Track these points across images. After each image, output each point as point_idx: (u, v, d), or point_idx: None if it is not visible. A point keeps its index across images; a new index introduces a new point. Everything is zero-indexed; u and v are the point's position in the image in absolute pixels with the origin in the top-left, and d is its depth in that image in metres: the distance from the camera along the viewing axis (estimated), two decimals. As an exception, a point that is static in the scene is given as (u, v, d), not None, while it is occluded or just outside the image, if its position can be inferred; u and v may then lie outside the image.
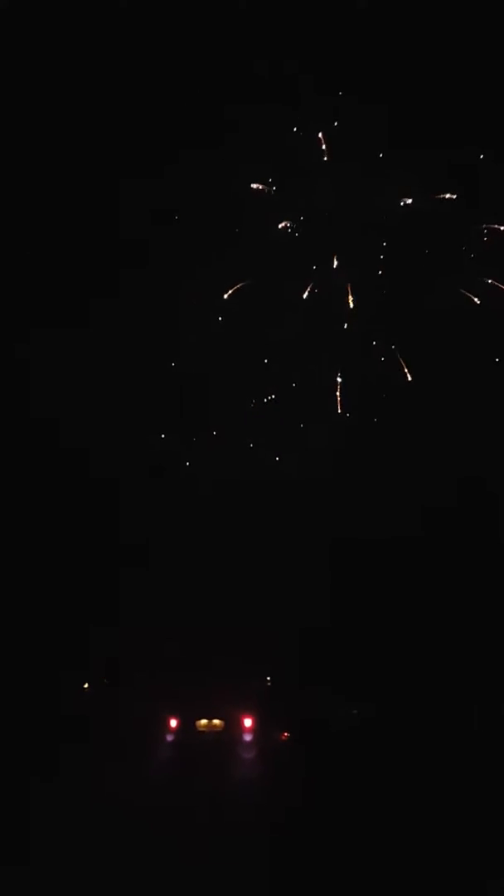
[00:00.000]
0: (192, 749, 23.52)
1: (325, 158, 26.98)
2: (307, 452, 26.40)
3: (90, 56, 26.28)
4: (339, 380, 26.73)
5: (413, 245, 27.07)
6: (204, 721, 23.95)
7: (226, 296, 26.83)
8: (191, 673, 24.17)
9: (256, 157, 26.94)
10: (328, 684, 24.29)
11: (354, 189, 26.88)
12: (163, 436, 26.72)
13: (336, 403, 26.60)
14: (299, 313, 26.92)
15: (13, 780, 21.86)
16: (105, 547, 25.39)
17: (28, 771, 22.08)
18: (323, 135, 26.93)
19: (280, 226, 27.11)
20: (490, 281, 26.59)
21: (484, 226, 26.87)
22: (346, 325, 26.93)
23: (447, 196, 26.66)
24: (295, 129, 26.95)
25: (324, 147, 26.99)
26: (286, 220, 27.04)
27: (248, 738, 23.60)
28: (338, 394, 26.64)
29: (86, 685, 24.90)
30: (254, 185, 26.92)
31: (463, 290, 26.58)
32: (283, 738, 23.97)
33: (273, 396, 26.91)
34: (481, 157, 26.49)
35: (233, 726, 23.79)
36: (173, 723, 23.78)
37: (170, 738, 23.69)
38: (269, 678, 24.92)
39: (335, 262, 26.99)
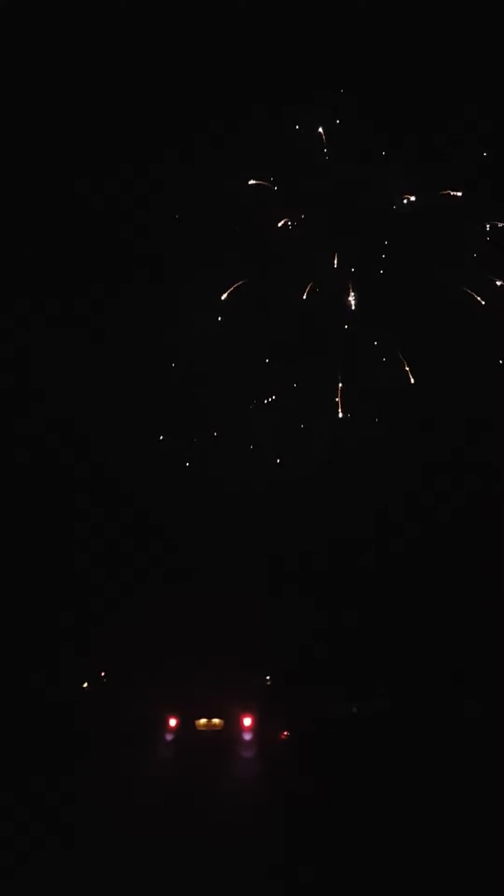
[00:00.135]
0: (192, 748, 23.52)
1: (326, 156, 26.98)
2: (307, 454, 26.40)
3: (89, 55, 26.28)
4: (339, 382, 26.75)
5: (415, 243, 27.05)
6: (203, 720, 23.95)
7: (224, 296, 26.84)
8: (190, 672, 24.21)
9: (257, 155, 26.94)
10: (328, 683, 24.33)
11: (355, 187, 26.88)
12: (161, 438, 26.71)
13: (337, 405, 26.61)
14: (300, 313, 26.93)
15: (12, 779, 21.89)
16: (105, 547, 25.39)
17: (27, 771, 22.11)
18: (323, 131, 26.92)
19: (280, 224, 27.11)
20: (499, 283, 26.57)
21: (488, 224, 26.86)
22: (346, 326, 26.93)
23: (452, 193, 26.66)
24: (297, 127, 26.97)
25: (325, 146, 27.01)
26: (286, 217, 27.03)
27: (247, 737, 23.60)
28: (338, 396, 26.65)
29: (85, 684, 24.95)
30: (252, 182, 26.90)
31: (468, 290, 26.55)
32: (283, 736, 24.00)
33: (273, 397, 26.91)
34: (484, 154, 26.50)
35: (232, 725, 23.77)
36: (173, 722, 23.77)
37: (169, 737, 23.68)
38: (268, 677, 24.95)
39: (336, 262, 26.99)
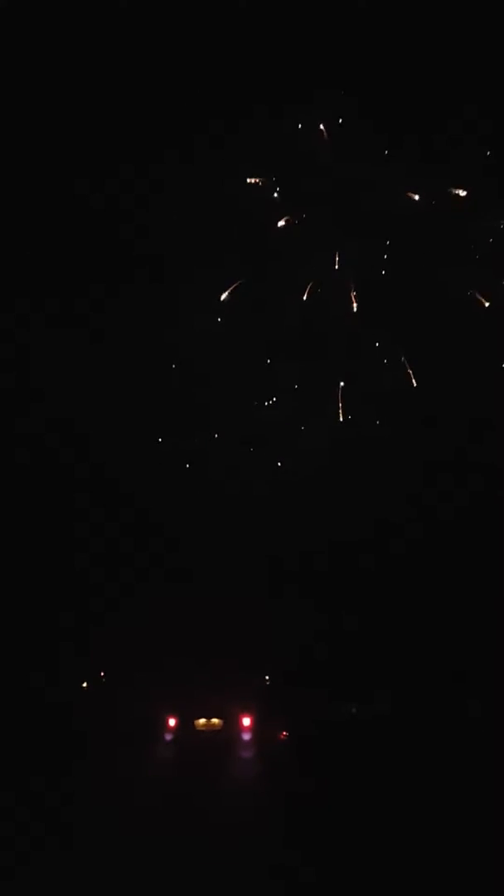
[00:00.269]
0: (191, 748, 23.58)
1: (328, 155, 26.97)
2: (308, 454, 26.40)
3: (89, 55, 26.26)
4: (341, 383, 26.75)
5: (417, 243, 27.04)
6: (203, 720, 24.01)
7: (223, 296, 26.83)
8: (190, 672, 24.23)
9: (257, 155, 26.94)
10: (327, 684, 24.34)
11: (357, 187, 26.87)
12: (161, 438, 26.71)
13: (338, 408, 26.60)
14: (301, 315, 26.91)
15: (12, 779, 21.91)
16: (105, 547, 25.39)
17: (27, 771, 22.13)
18: (325, 130, 26.91)
19: (280, 223, 27.09)
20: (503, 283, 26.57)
21: (489, 224, 26.86)
22: (348, 328, 26.91)
23: (456, 191, 26.65)
24: (300, 126, 26.96)
25: (326, 145, 26.98)
26: (287, 216, 27.01)
27: (246, 737, 23.66)
28: (339, 397, 26.64)
29: (85, 684, 24.97)
30: (250, 180, 26.89)
31: (473, 292, 26.52)
32: (282, 737, 24.03)
33: (274, 399, 26.90)
34: (488, 153, 26.49)
35: (231, 725, 23.84)
36: (172, 722, 23.85)
37: (169, 737, 23.75)
38: (267, 677, 24.97)
39: (337, 262, 26.98)
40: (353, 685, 24.29)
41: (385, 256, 27.03)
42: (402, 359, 26.37)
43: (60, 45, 26.11)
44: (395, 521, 24.99)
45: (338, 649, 24.43)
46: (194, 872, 19.80)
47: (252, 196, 27.13)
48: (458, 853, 20.00)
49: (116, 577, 25.08)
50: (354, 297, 26.87)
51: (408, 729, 23.24)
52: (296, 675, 24.50)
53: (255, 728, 23.68)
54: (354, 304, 26.84)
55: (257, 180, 26.82)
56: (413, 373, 26.42)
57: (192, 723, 23.96)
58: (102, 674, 25.01)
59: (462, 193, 26.74)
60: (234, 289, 26.82)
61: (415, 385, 26.27)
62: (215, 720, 23.96)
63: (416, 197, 26.85)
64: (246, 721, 23.74)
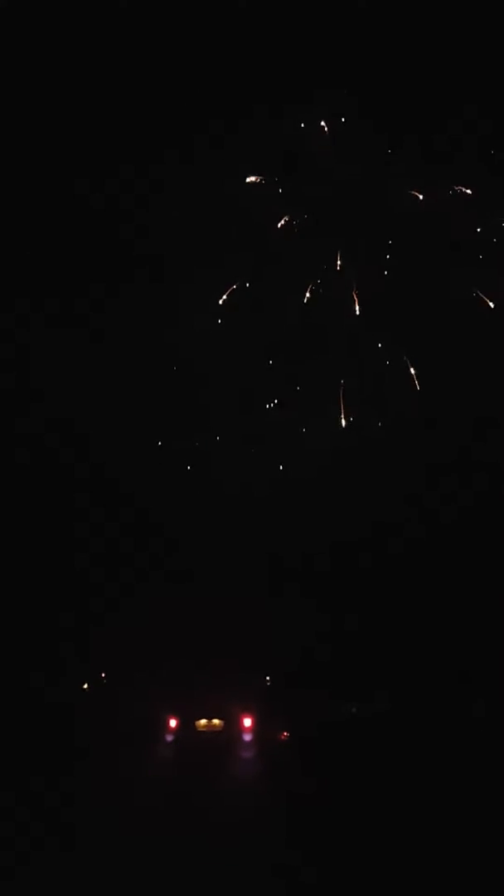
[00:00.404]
0: (192, 749, 23.57)
1: (329, 155, 26.96)
2: (310, 454, 26.38)
3: (89, 55, 26.26)
4: (342, 383, 26.74)
5: (421, 244, 27.04)
6: (203, 721, 24.00)
7: (223, 298, 26.83)
8: (190, 672, 24.21)
9: (259, 153, 26.94)
10: (328, 684, 24.33)
11: (358, 186, 26.88)
12: (161, 438, 26.70)
13: (340, 409, 26.59)
14: (302, 316, 26.91)
15: (13, 779, 21.89)
16: (105, 547, 25.38)
17: (27, 771, 22.11)
18: (326, 130, 26.91)
19: (280, 223, 27.08)
20: None
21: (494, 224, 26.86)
22: (350, 329, 26.89)
23: (460, 188, 26.64)
24: (302, 125, 26.97)
25: (327, 145, 26.99)
26: (288, 215, 27.00)
27: (247, 737, 23.64)
28: (341, 397, 26.64)
29: (85, 685, 24.95)
30: (250, 179, 26.89)
31: (476, 291, 26.51)
32: (283, 737, 24.02)
33: (276, 400, 26.90)
34: (492, 152, 26.50)
35: (232, 726, 23.83)
36: (173, 723, 23.83)
37: (169, 737, 23.74)
38: (268, 678, 24.96)
39: (339, 263, 26.98)
40: (354, 685, 24.25)
41: (388, 256, 27.01)
42: (405, 359, 26.35)
43: (60, 46, 26.13)
44: (399, 521, 24.95)
45: (339, 650, 24.40)
46: (195, 872, 19.74)
47: (252, 196, 27.12)
48: (459, 853, 19.94)
49: (116, 577, 25.06)
50: (356, 297, 26.87)
51: (409, 729, 23.20)
52: (296, 676, 24.49)
53: (255, 728, 23.66)
54: (357, 305, 26.83)
55: (257, 178, 26.81)
56: (416, 374, 26.41)
57: (193, 723, 23.95)
58: (103, 674, 25.01)
59: (468, 192, 26.72)
60: (231, 292, 26.81)
61: (418, 389, 26.26)
62: (216, 720, 23.95)
63: (420, 196, 26.83)
64: (247, 721, 23.73)
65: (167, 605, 24.76)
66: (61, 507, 25.63)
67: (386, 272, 27.06)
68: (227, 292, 26.76)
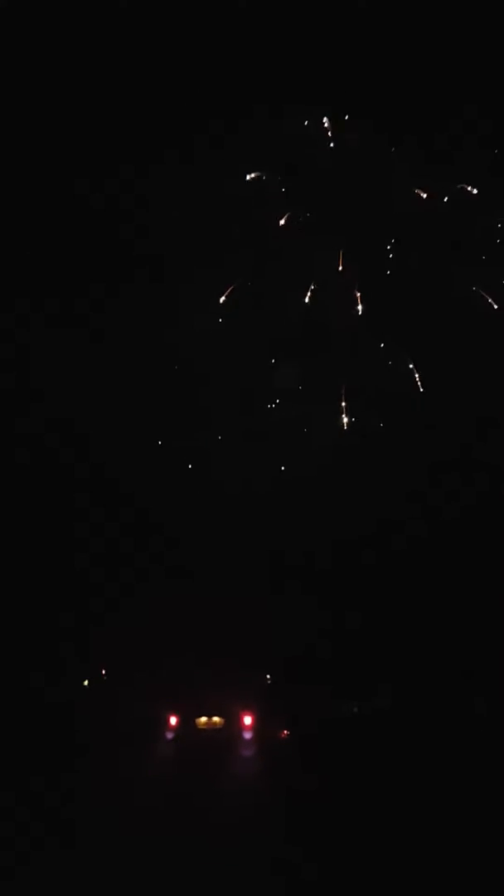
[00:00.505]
0: (192, 747, 23.49)
1: (329, 155, 27.01)
2: (311, 452, 26.37)
3: (89, 55, 26.33)
4: (344, 383, 26.73)
5: (423, 243, 27.05)
6: (204, 719, 23.93)
7: (223, 298, 26.83)
8: (191, 670, 24.17)
9: (257, 154, 26.99)
10: (328, 682, 24.28)
11: (361, 184, 26.91)
12: (161, 438, 26.69)
13: (341, 406, 26.58)
14: (304, 314, 26.91)
15: (13, 779, 21.83)
16: (105, 547, 25.35)
17: (27, 771, 22.04)
18: (326, 129, 26.96)
19: (281, 223, 27.10)
20: None
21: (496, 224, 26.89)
22: (352, 329, 26.89)
23: (465, 186, 26.67)
24: (306, 123, 27.02)
25: (327, 144, 27.04)
26: (290, 213, 27.02)
27: (247, 735, 23.56)
28: (343, 397, 26.62)
29: (86, 683, 24.90)
30: (250, 176, 26.94)
31: (479, 291, 26.52)
32: (283, 735, 23.96)
33: (277, 400, 26.88)
34: (496, 151, 26.55)
35: (233, 724, 23.75)
36: (173, 720, 23.75)
37: (170, 735, 23.67)
38: (268, 675, 24.91)
39: (340, 263, 26.99)
40: (355, 683, 24.20)
41: (390, 256, 27.02)
42: (408, 360, 26.34)
43: (60, 46, 26.22)
44: (401, 518, 24.92)
45: (340, 647, 24.36)
46: (196, 870, 19.66)
47: (253, 195, 27.15)
48: (460, 850, 19.86)
49: (116, 577, 25.01)
50: (358, 297, 26.87)
51: (410, 726, 23.15)
52: (297, 673, 24.43)
53: (256, 726, 23.58)
54: (359, 305, 26.83)
55: (257, 175, 26.84)
56: (418, 374, 26.39)
57: (194, 721, 23.87)
58: (103, 672, 24.96)
59: (471, 190, 26.74)
60: (230, 291, 26.82)
61: (420, 389, 26.25)
62: (216, 718, 23.88)
63: (424, 195, 26.86)
64: (247, 719, 23.65)
65: (167, 603, 24.71)
66: (61, 507, 25.59)
67: (388, 271, 27.07)
68: (228, 292, 26.77)
